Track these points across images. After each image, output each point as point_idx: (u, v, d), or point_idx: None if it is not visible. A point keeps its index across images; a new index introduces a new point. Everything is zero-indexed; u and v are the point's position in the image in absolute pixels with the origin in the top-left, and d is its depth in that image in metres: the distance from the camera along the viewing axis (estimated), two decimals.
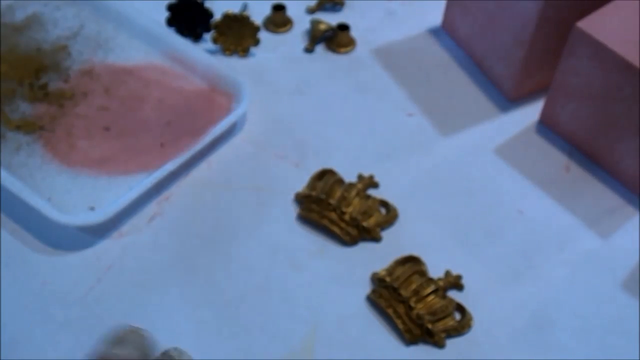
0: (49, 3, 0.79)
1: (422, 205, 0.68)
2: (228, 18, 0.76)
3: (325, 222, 0.65)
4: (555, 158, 0.72)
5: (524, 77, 0.73)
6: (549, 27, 0.69)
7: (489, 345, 0.60)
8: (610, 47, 0.64)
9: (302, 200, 0.66)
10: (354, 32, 0.79)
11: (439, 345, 0.60)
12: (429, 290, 0.61)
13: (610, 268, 0.65)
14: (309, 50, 0.78)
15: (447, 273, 0.63)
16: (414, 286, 0.61)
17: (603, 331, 0.61)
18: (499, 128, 0.73)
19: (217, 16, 0.76)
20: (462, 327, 0.61)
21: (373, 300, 0.61)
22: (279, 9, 0.80)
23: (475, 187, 0.69)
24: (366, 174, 0.69)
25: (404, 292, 0.61)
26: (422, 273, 0.63)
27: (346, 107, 0.74)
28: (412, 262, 0.63)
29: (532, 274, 0.64)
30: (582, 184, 0.70)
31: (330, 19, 0.80)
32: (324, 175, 0.68)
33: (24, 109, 0.70)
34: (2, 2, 0.78)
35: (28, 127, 0.69)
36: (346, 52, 0.79)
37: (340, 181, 0.67)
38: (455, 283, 0.62)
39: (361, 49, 0.79)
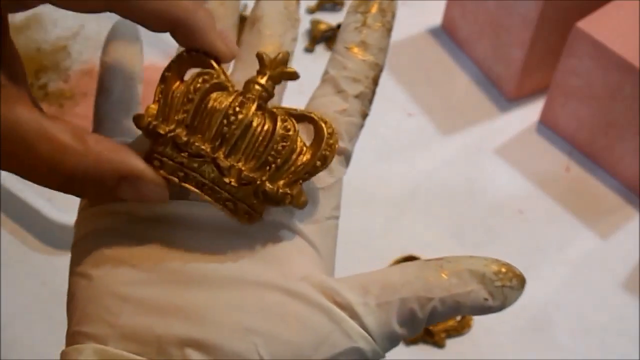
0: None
1: (422, 205, 0.68)
2: None
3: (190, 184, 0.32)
4: (555, 158, 0.71)
5: (524, 77, 0.73)
6: (549, 27, 0.69)
7: (489, 345, 0.60)
8: (610, 47, 0.64)
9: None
10: None
11: (439, 345, 0.60)
12: None
13: (610, 268, 0.65)
14: (309, 50, 0.78)
15: None
16: None
17: (603, 331, 0.61)
18: (499, 128, 0.73)
19: None
20: (462, 327, 0.60)
21: None
22: None
23: (475, 187, 0.69)
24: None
25: None
26: None
27: None
28: None
29: (532, 274, 0.64)
30: (582, 184, 0.70)
31: (330, 19, 0.80)
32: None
33: None
34: None
35: None
36: None
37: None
38: None
39: None
